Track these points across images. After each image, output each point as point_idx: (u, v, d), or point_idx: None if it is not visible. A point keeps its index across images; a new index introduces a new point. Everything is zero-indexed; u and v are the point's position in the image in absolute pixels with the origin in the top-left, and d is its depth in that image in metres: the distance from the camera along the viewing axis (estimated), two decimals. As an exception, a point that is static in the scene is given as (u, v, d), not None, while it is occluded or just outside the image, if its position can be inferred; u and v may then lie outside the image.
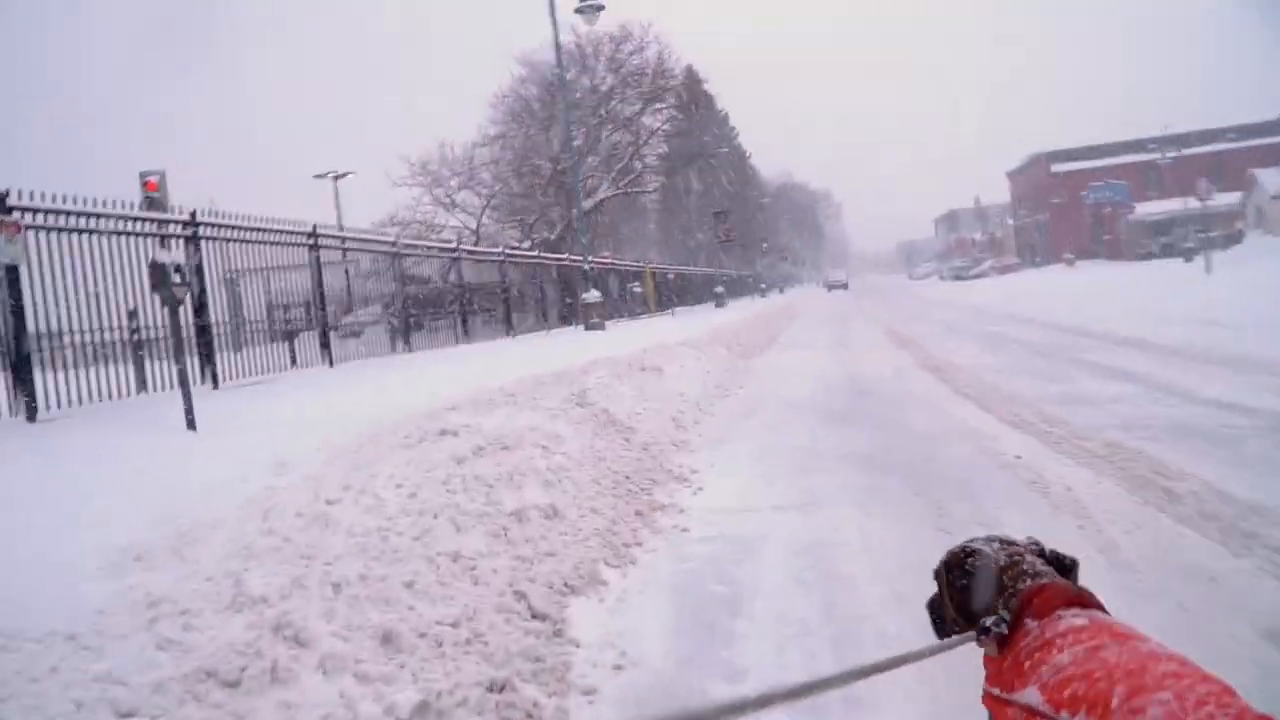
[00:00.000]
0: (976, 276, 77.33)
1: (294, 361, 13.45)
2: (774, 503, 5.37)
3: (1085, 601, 1.58)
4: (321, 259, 13.98)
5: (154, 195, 23.00)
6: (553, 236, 37.71)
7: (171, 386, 11.18)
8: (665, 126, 40.95)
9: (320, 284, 13.87)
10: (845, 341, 18.26)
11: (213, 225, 11.57)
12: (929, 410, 8.31)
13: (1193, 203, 67.09)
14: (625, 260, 35.58)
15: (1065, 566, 1.71)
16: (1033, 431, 6.82)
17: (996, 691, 1.56)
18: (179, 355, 7.03)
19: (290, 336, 14.16)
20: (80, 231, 9.24)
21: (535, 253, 25.58)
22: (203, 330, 11.22)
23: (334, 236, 14.22)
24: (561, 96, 25.42)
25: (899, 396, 9.36)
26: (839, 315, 31.92)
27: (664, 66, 39.57)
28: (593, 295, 20.36)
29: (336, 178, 45.07)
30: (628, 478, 5.88)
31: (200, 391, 11.10)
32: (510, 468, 5.08)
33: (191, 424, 6.88)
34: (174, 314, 7.06)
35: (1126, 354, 11.30)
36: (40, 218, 8.90)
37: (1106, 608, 1.60)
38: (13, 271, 8.54)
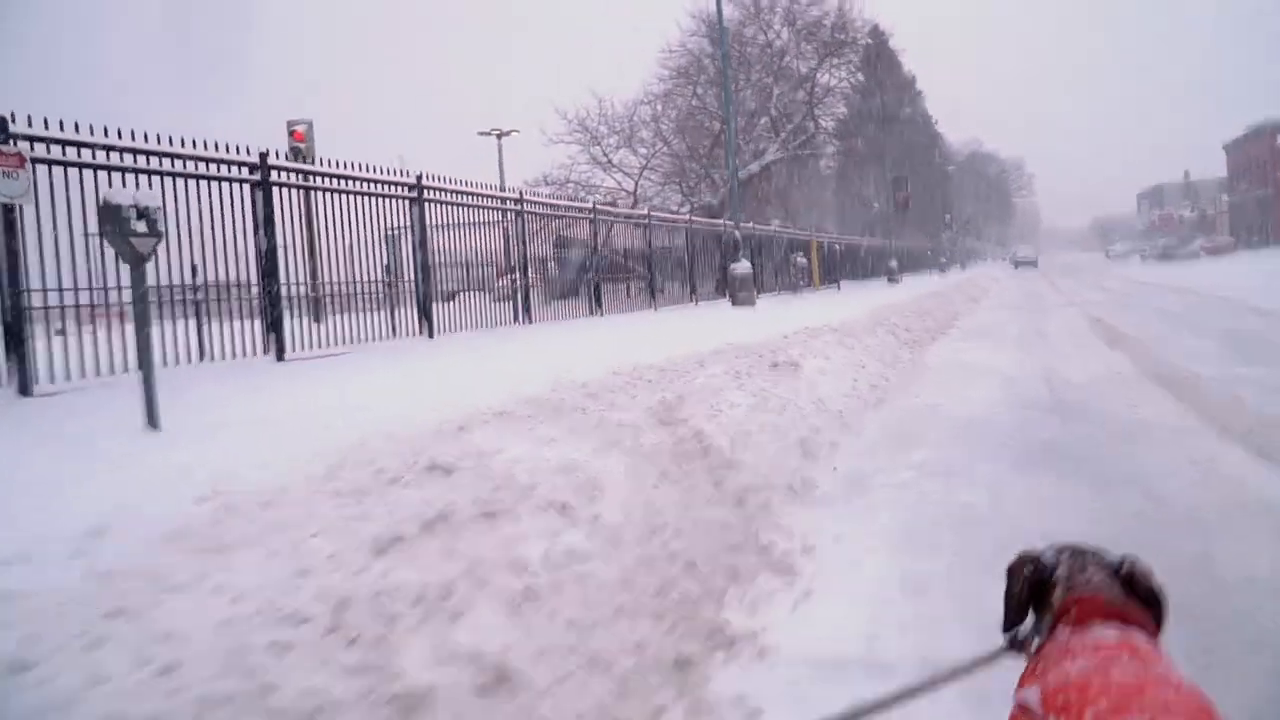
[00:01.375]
0: (1187, 257, 69.96)
1: (394, 331, 11.95)
2: (924, 651, 3.06)
3: (1127, 617, 1.52)
4: (427, 215, 12.35)
5: (299, 145, 22.09)
6: (716, 201, 35.39)
7: (243, 353, 9.88)
8: (843, 85, 37.68)
9: (423, 243, 12.24)
10: (1040, 332, 15.24)
11: (283, 169, 10.04)
12: (1179, 459, 5.66)
13: None
14: (787, 229, 32.88)
15: (1139, 589, 1.59)
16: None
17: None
18: (139, 327, 5.31)
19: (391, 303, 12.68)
20: (97, 168, 7.78)
21: (685, 215, 23.42)
22: (271, 293, 9.73)
23: (439, 189, 12.49)
24: (722, 46, 23.00)
25: (1127, 428, 6.69)
26: (1030, 297, 28.25)
27: (845, 18, 36.40)
28: (742, 266, 18.07)
29: (500, 135, 44.20)
30: (693, 566, 3.69)
31: (256, 365, 9.69)
32: (468, 564, 3.01)
33: (154, 421, 5.20)
34: (136, 272, 5.34)
35: None
36: (49, 149, 7.47)
37: (1155, 630, 1.52)
38: (10, 212, 7.15)
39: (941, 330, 16.03)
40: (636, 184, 33.96)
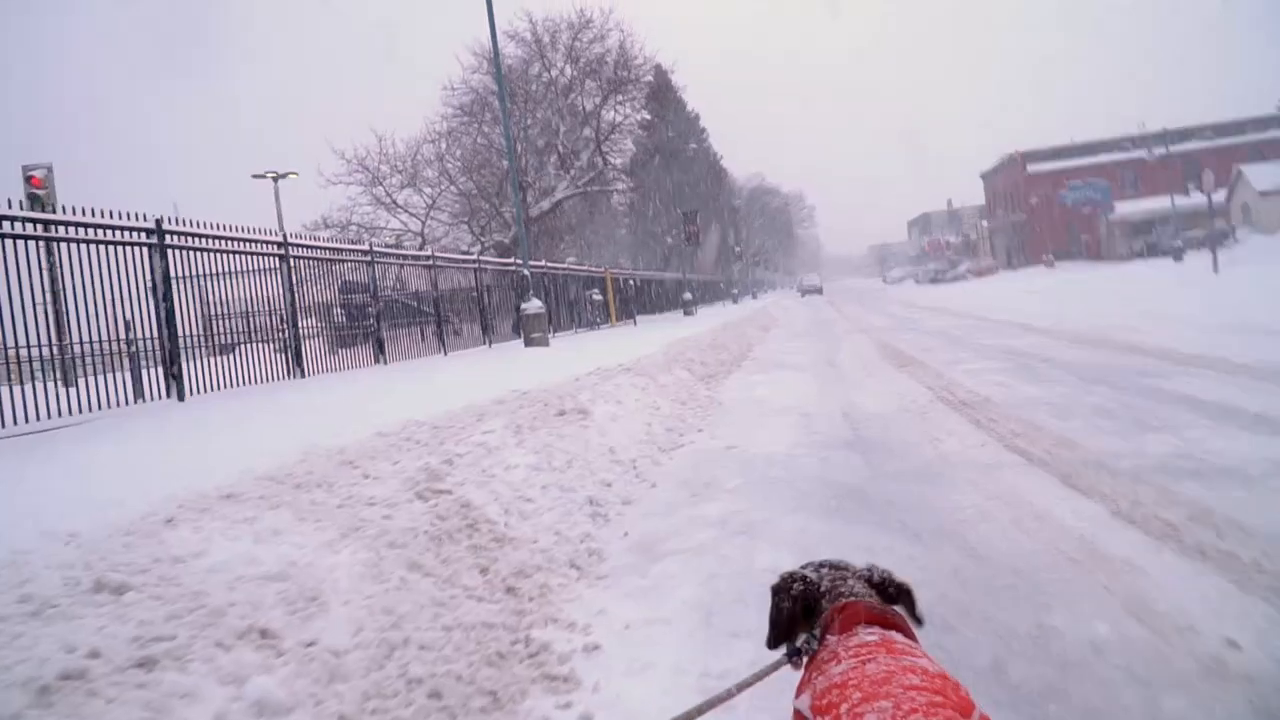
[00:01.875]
0: (954, 279, 75.12)
1: (140, 394, 10.49)
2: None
3: (886, 621, 1.64)
4: (172, 263, 10.96)
5: (38, 192, 19.61)
6: (508, 240, 34.64)
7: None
8: (628, 121, 37.91)
9: (166, 296, 10.83)
10: (832, 359, 15.29)
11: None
12: (986, 491, 5.32)
13: (1177, 200, 65.51)
14: (582, 266, 32.56)
15: (889, 593, 1.76)
16: (1217, 560, 3.83)
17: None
18: None
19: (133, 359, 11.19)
20: None
21: (472, 255, 22.51)
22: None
23: (184, 233, 11.13)
24: (498, 82, 22.38)
25: (929, 460, 6.38)
26: (819, 323, 29.02)
27: (627, 56, 36.63)
28: (533, 306, 17.35)
29: (276, 178, 41.83)
30: (438, 697, 2.86)
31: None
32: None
33: None
34: None
35: (1213, 380, 8.43)
36: None
37: (912, 630, 1.66)
38: None
39: (736, 362, 15.85)
40: (424, 224, 32.77)
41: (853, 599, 1.70)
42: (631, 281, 34.54)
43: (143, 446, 6.46)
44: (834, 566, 1.83)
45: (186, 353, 11.38)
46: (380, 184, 31.37)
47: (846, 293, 74.33)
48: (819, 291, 79.50)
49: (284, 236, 13.55)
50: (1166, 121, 74.10)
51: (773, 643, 1.82)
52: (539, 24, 36.08)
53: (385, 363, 16.04)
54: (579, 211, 54.84)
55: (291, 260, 13.48)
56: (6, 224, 8.59)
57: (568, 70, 36.86)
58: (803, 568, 1.85)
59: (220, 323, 12.69)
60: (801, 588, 1.78)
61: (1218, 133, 73.04)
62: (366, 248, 16.33)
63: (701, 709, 1.73)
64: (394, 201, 31.78)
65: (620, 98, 36.48)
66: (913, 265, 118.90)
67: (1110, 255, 68.40)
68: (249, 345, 13.47)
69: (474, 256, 22.17)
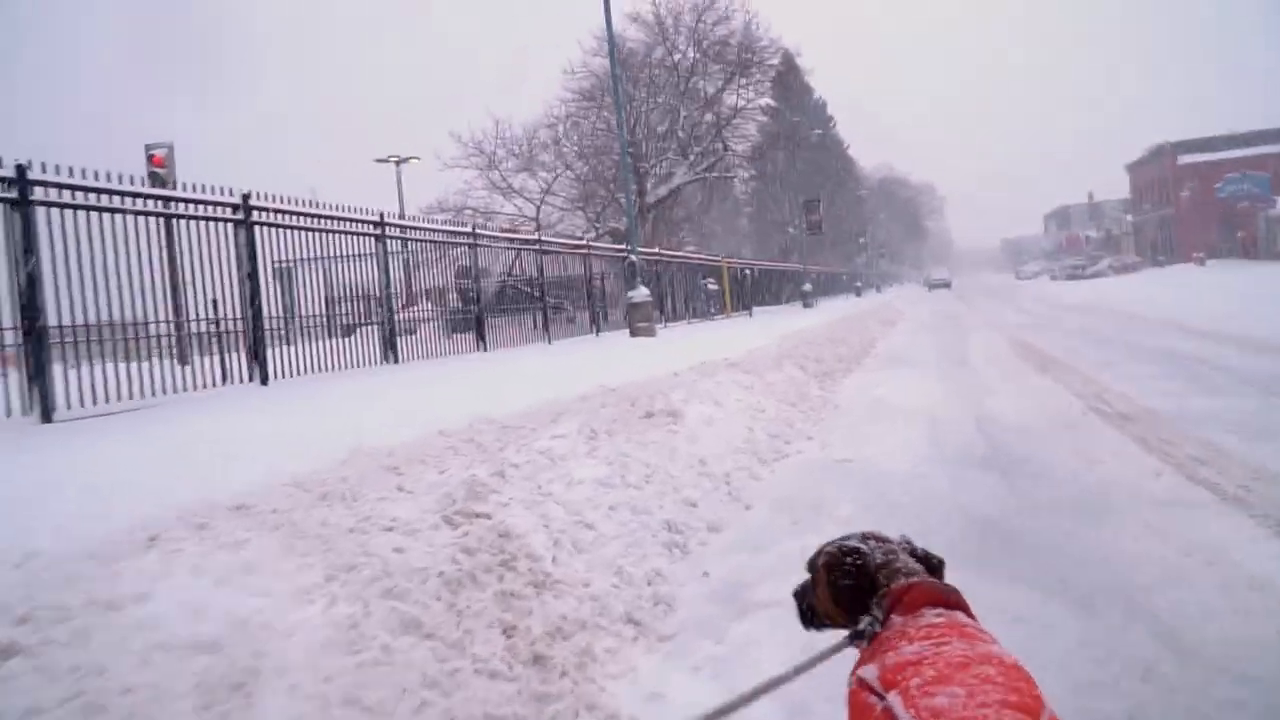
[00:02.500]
0: (1094, 276, 70.99)
1: (224, 378, 10.12)
2: None
3: (949, 601, 1.59)
4: (259, 240, 10.54)
5: (159, 170, 19.82)
6: (623, 227, 33.94)
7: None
8: (751, 106, 36.65)
9: (252, 275, 10.40)
10: (962, 358, 13.90)
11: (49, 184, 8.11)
12: (1174, 540, 4.11)
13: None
14: (698, 254, 31.57)
15: (933, 565, 1.72)
16: None
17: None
18: None
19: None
20: None
21: (580, 240, 21.76)
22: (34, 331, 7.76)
23: (270, 209, 10.68)
24: (612, 72, 21.57)
25: (1088, 489, 5.19)
26: (948, 319, 27.28)
27: (751, 38, 35.39)
28: (639, 294, 16.48)
29: (399, 162, 42.24)
30: None
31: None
32: None
33: None
34: None
35: None
36: None
37: (971, 608, 1.60)
38: None
39: (856, 359, 14.63)
40: (539, 209, 32.34)
41: (913, 578, 1.64)
42: (748, 271, 33.36)
43: (182, 438, 5.83)
44: (878, 539, 1.76)
45: (274, 335, 10.97)
46: (496, 168, 31.07)
47: (977, 288, 71.02)
48: (947, 286, 76.44)
49: (380, 215, 13.02)
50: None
51: (809, 620, 1.82)
52: (661, 5, 35.20)
53: (485, 350, 15.46)
54: (699, 199, 53.96)
55: (388, 241, 12.96)
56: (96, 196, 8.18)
57: (690, 53, 35.84)
58: (845, 539, 1.77)
59: (311, 305, 12.27)
60: (852, 563, 1.71)
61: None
62: (469, 229, 15.74)
63: (756, 693, 1.70)
64: (509, 186, 31.46)
65: (744, 81, 35.27)
66: (1048, 261, 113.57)
67: (1269, 255, 63.28)
68: (346, 329, 13.08)
69: (583, 241, 21.43)
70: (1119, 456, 5.94)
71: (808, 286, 38.04)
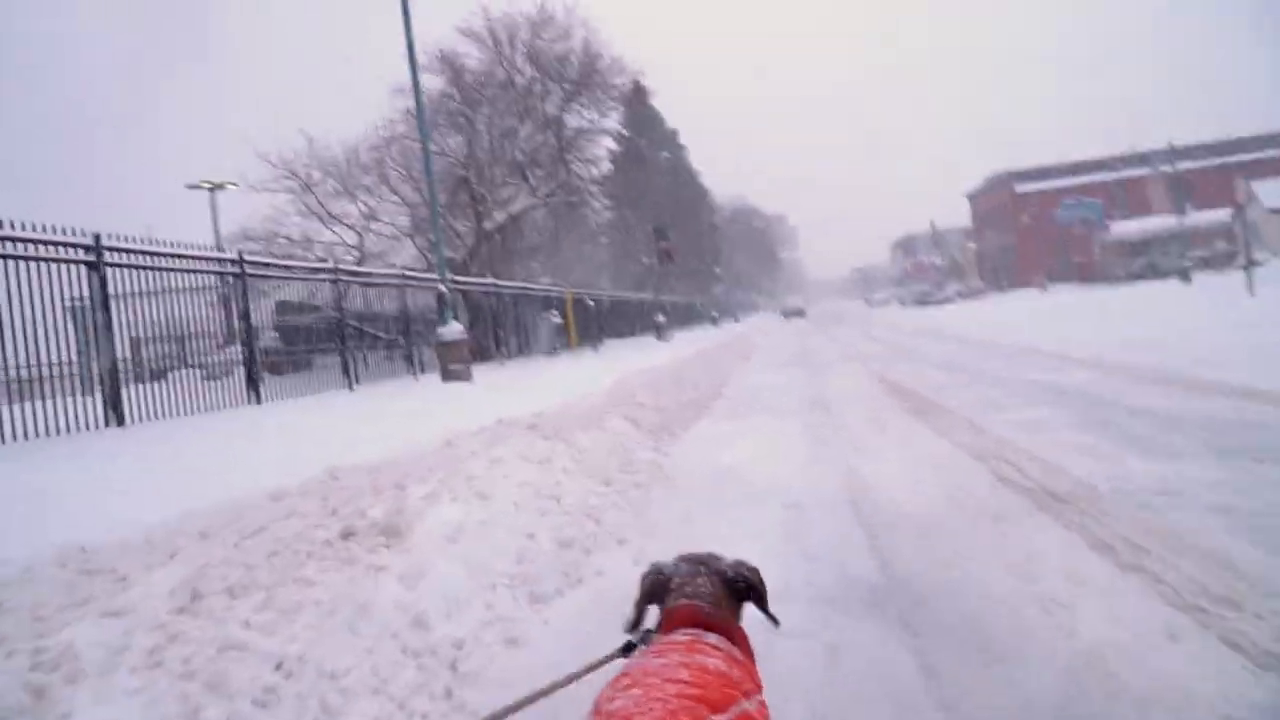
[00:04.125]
0: (942, 301, 72.19)
1: None
2: None
3: (709, 623, 1.72)
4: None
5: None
6: (458, 257, 31.22)
7: None
8: (593, 127, 34.56)
9: None
10: (824, 400, 11.87)
11: None
12: None
13: (1171, 221, 62.89)
14: (538, 284, 29.21)
15: (739, 589, 1.86)
16: None
17: None
18: None
19: None
20: None
21: (392, 269, 18.99)
22: None
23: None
24: (417, 99, 19.07)
25: (1066, 675, 2.99)
26: (805, 351, 25.66)
27: (592, 56, 33.36)
28: (451, 331, 13.93)
29: (213, 188, 38.36)
30: None
31: None
32: None
33: None
34: None
35: None
36: None
37: (743, 633, 1.78)
38: None
39: (704, 405, 12.45)
40: (362, 238, 29.28)
41: (688, 600, 1.78)
42: (590, 302, 31.03)
43: None
44: (696, 561, 1.89)
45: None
46: (311, 191, 27.89)
47: (830, 316, 71.08)
48: (802, 314, 76.55)
49: (95, 238, 10.08)
50: (1157, 141, 71.88)
51: (630, 629, 1.89)
52: (496, 21, 32.83)
53: (259, 401, 12.58)
54: (549, 228, 51.60)
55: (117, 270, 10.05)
56: None
57: (528, 70, 33.56)
58: (667, 562, 1.92)
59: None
60: (650, 580, 1.88)
61: (1213, 152, 70.66)
62: (232, 256, 12.85)
63: (533, 698, 1.76)
64: (328, 212, 28.29)
65: (585, 100, 33.15)
66: (896, 288, 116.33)
67: (1105, 277, 65.54)
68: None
69: (394, 270, 18.67)
70: (1081, 582, 3.79)
71: (661, 318, 36.09)
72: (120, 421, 9.53)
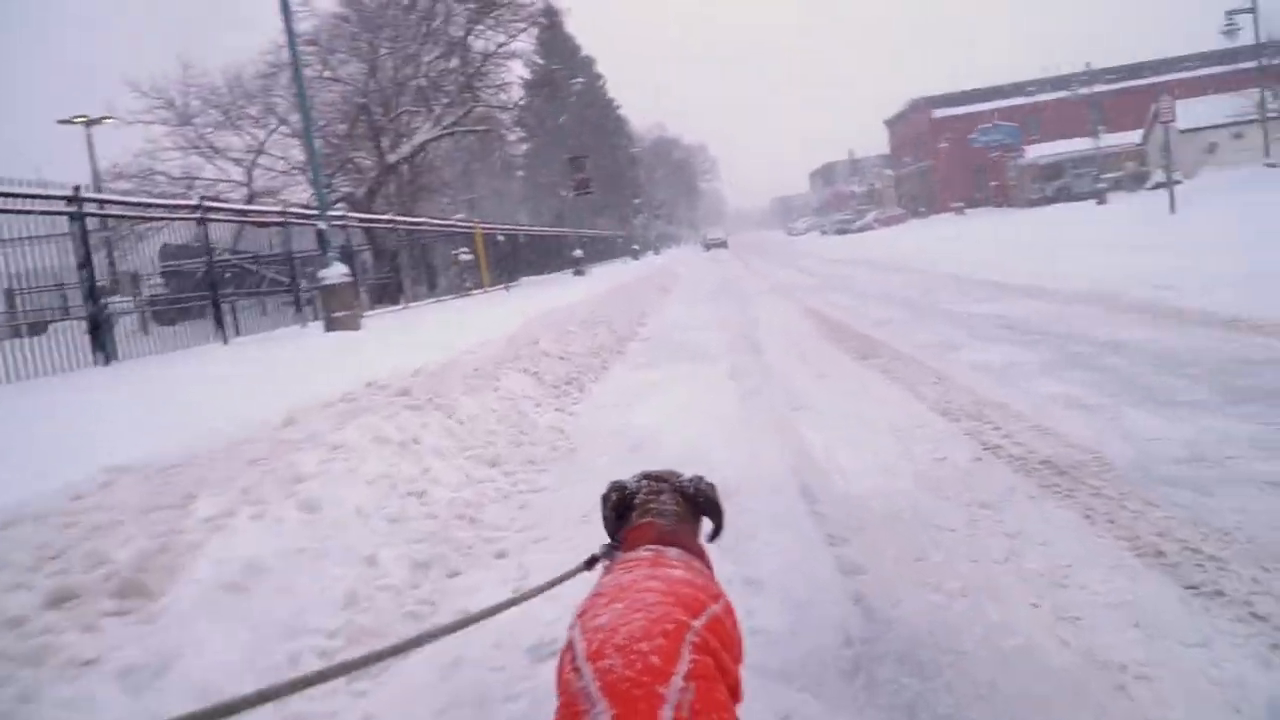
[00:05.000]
0: (862, 229, 71.78)
1: None
2: None
3: (670, 539, 1.80)
4: None
5: None
6: (359, 193, 29.14)
7: None
8: (501, 50, 32.36)
9: None
10: (753, 341, 10.65)
11: None
12: None
13: (1083, 144, 63.09)
14: (446, 220, 27.39)
15: (699, 504, 1.94)
16: None
17: None
18: None
19: None
20: None
21: (272, 208, 17.08)
22: None
23: None
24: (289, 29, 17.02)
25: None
26: (728, 282, 24.46)
27: (498, -28, 31.08)
28: (334, 273, 12.30)
29: (89, 123, 35.28)
30: None
31: None
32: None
33: None
34: None
35: None
36: None
37: (702, 548, 1.87)
38: None
39: (618, 347, 11.14)
40: (250, 174, 26.99)
41: (649, 518, 1.85)
42: (501, 237, 29.23)
43: None
44: (656, 478, 1.96)
45: None
46: (189, 123, 25.47)
47: (752, 246, 70.08)
48: (724, 245, 75.51)
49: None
50: (1074, 66, 71.95)
51: (608, 544, 1.95)
52: (393, -67, 30.26)
53: (107, 362, 10.87)
54: (462, 161, 49.21)
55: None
56: None
57: (429, -11, 31.16)
58: (632, 477, 1.98)
59: None
60: (616, 497, 1.94)
61: (1128, 74, 70.96)
62: (71, 194, 10.98)
63: (501, 607, 1.81)
64: (210, 146, 25.93)
65: (491, 21, 30.93)
66: (816, 217, 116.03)
67: (1020, 201, 65.66)
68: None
69: (274, 208, 16.79)
70: (1135, 612, 2.59)
71: (579, 253, 34.50)
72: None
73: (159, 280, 16.15)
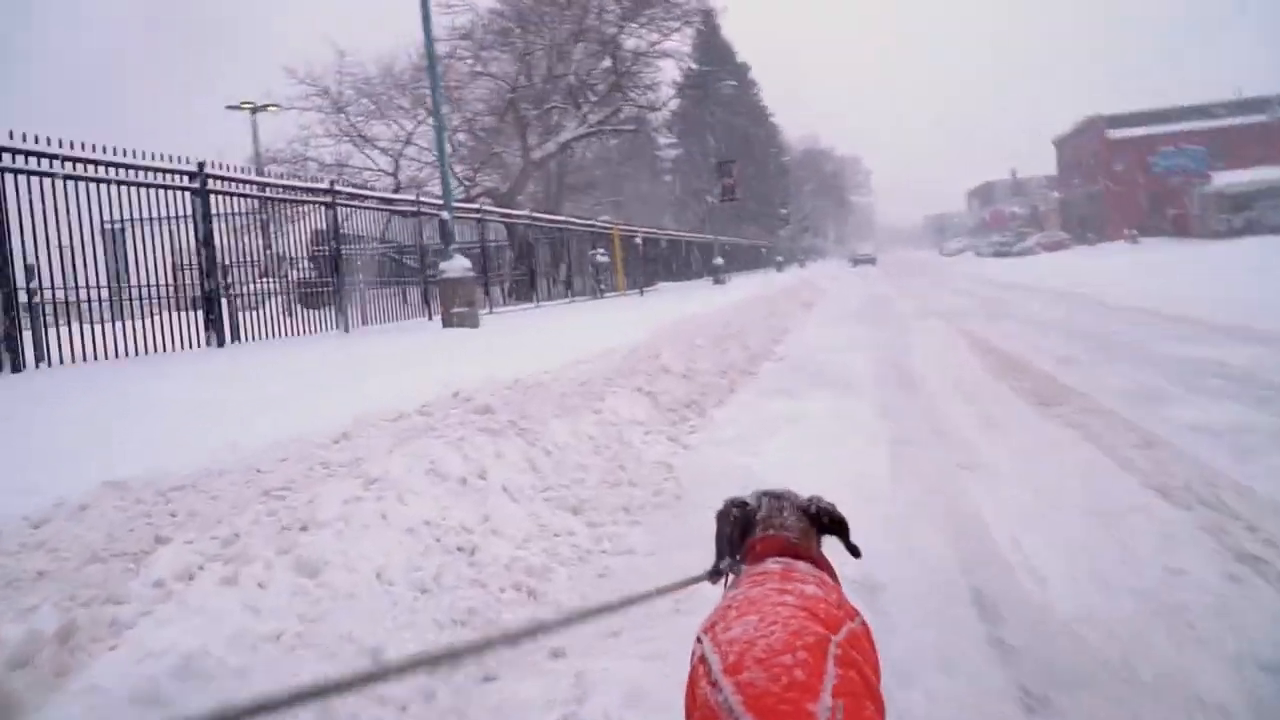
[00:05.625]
0: (1022, 253, 67.95)
1: None
2: None
3: (799, 552, 1.74)
4: None
5: None
6: (503, 188, 28.87)
7: None
8: (653, 50, 31.53)
9: None
10: (907, 373, 9.31)
11: None
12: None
13: (1276, 172, 57.86)
14: (586, 220, 26.73)
15: (823, 524, 1.86)
16: None
17: None
18: None
19: None
20: None
21: (393, 195, 16.56)
22: None
23: None
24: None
25: None
26: (876, 301, 22.89)
27: (655, -30, 30.32)
28: (455, 267, 11.60)
29: (254, 110, 36.39)
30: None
31: None
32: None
33: None
34: None
35: None
36: None
37: (827, 562, 1.79)
38: None
39: (751, 366, 9.98)
40: (397, 164, 27.01)
41: (775, 531, 1.80)
42: (639, 240, 28.30)
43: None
44: (775, 496, 1.91)
45: None
46: (343, 111, 25.63)
47: (902, 264, 67.31)
48: (872, 262, 72.96)
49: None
50: (1264, 89, 66.41)
51: (720, 564, 1.88)
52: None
53: (220, 344, 10.48)
54: (610, 162, 48.88)
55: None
56: None
57: (585, -15, 30.68)
58: (748, 495, 1.92)
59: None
60: (739, 513, 1.88)
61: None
62: (195, 169, 10.58)
63: (624, 603, 1.80)
64: (359, 134, 26.03)
65: (644, 19, 30.16)
66: (971, 237, 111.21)
67: (1201, 232, 60.71)
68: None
69: (399, 196, 16.30)
70: None
71: (719, 260, 33.38)
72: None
73: (309, 264, 15.96)
